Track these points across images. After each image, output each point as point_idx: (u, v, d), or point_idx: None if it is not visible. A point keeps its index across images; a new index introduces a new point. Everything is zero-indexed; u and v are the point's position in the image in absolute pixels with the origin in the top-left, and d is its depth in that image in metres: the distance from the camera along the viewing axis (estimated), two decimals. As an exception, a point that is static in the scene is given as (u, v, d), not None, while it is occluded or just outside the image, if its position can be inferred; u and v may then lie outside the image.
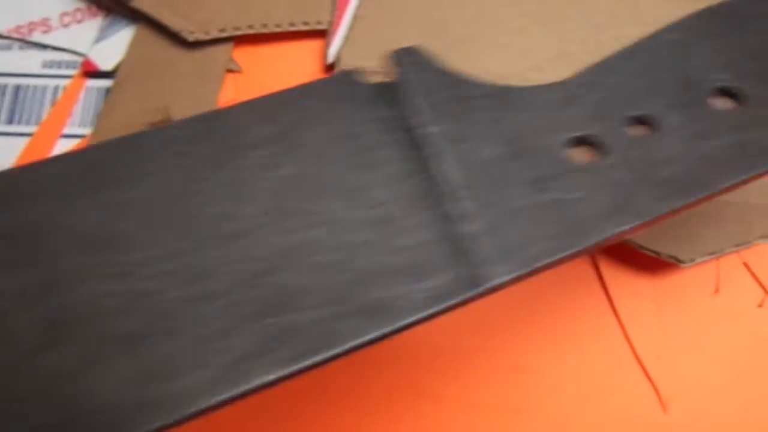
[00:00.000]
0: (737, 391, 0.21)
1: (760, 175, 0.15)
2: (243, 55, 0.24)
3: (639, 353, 0.21)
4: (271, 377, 0.12)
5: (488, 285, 0.13)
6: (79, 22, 0.25)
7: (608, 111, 0.15)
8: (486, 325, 0.21)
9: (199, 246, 0.13)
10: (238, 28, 0.24)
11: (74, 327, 0.12)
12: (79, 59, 0.24)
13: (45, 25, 0.25)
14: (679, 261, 0.21)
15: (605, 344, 0.21)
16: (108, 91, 0.24)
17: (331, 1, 0.24)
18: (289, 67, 0.24)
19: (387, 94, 0.15)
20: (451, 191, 0.14)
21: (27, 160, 0.18)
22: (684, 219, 0.21)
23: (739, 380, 0.21)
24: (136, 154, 0.14)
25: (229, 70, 0.24)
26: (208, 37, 0.24)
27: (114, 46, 0.24)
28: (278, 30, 0.24)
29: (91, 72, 0.24)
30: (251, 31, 0.24)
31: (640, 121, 0.15)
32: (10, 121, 0.23)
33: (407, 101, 0.15)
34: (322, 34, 0.24)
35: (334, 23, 0.24)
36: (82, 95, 0.24)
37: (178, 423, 0.12)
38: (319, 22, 0.24)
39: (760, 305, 0.22)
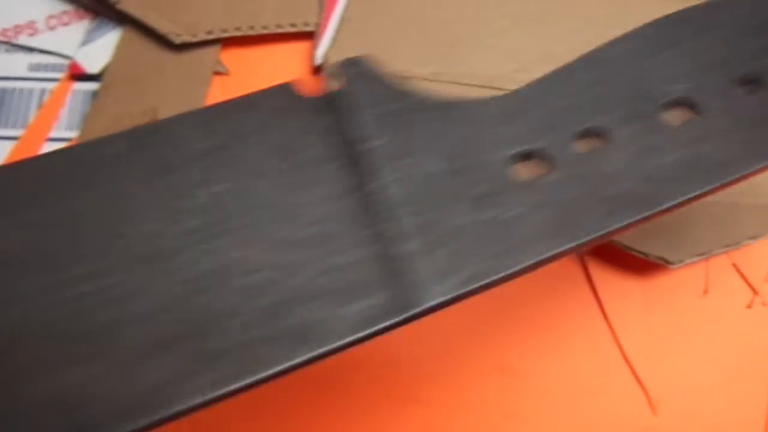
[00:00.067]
0: (726, 392, 0.21)
1: (710, 192, 0.15)
2: (230, 57, 0.24)
3: (628, 355, 0.21)
4: (193, 403, 0.12)
5: (422, 307, 0.13)
6: (65, 24, 0.25)
7: (556, 124, 0.15)
8: (474, 328, 0.21)
9: (124, 266, 0.13)
10: (225, 30, 0.24)
11: None
12: (66, 62, 0.24)
13: (31, 27, 0.25)
14: (668, 262, 0.21)
15: (594, 346, 0.21)
16: (95, 94, 0.23)
17: (319, 3, 0.24)
18: (277, 69, 0.24)
19: (329, 106, 0.15)
20: (390, 209, 0.14)
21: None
22: (672, 219, 0.21)
23: (729, 381, 0.21)
24: (64, 171, 0.14)
25: (217, 73, 0.24)
26: (195, 40, 0.24)
27: (101, 48, 0.24)
28: (265, 32, 0.24)
29: (78, 75, 0.24)
30: (238, 33, 0.24)
31: (590, 134, 0.15)
32: (-5, 125, 0.23)
33: (350, 114, 0.15)
34: (310, 36, 0.24)
35: (321, 25, 0.24)
36: (68, 98, 0.24)
37: None
38: (306, 24, 0.24)
39: (749, 306, 0.22)
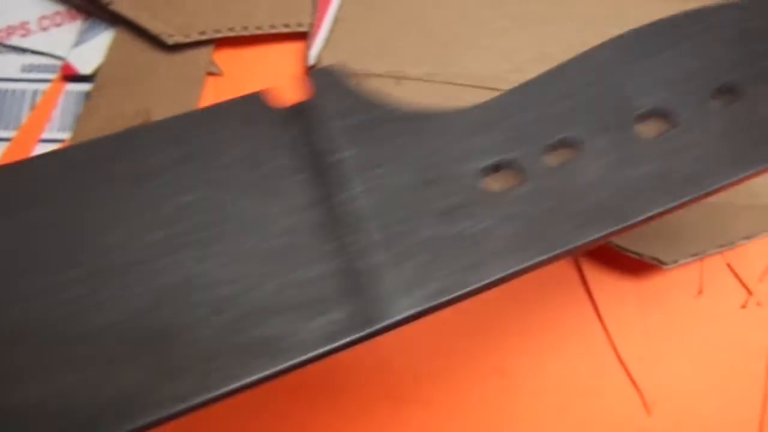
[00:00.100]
0: (721, 393, 0.21)
1: (683, 205, 0.14)
2: (223, 57, 0.24)
3: (623, 356, 0.21)
4: (154, 417, 0.12)
5: (386, 322, 0.13)
6: (58, 25, 0.25)
7: (528, 135, 0.15)
8: (470, 329, 0.21)
9: (84, 279, 0.13)
10: (218, 31, 0.24)
11: None
12: (59, 63, 0.24)
13: (24, 28, 0.24)
14: (662, 262, 0.21)
15: (589, 347, 0.21)
16: (87, 95, 0.23)
17: (312, 3, 0.24)
18: (270, 70, 0.24)
19: (298, 116, 0.15)
20: (358, 220, 0.14)
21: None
22: (666, 220, 0.21)
23: (723, 382, 0.21)
24: (28, 181, 0.13)
25: (210, 73, 0.24)
26: (188, 40, 0.23)
27: (93, 49, 0.24)
28: (259, 32, 0.24)
29: (71, 76, 0.24)
30: (232, 34, 0.24)
31: (563, 145, 0.15)
32: (-12, 126, 0.23)
33: (319, 125, 0.14)
34: (303, 36, 0.24)
35: (315, 25, 0.24)
36: (61, 99, 0.24)
37: None
38: (300, 24, 0.24)
39: (743, 306, 0.21)
